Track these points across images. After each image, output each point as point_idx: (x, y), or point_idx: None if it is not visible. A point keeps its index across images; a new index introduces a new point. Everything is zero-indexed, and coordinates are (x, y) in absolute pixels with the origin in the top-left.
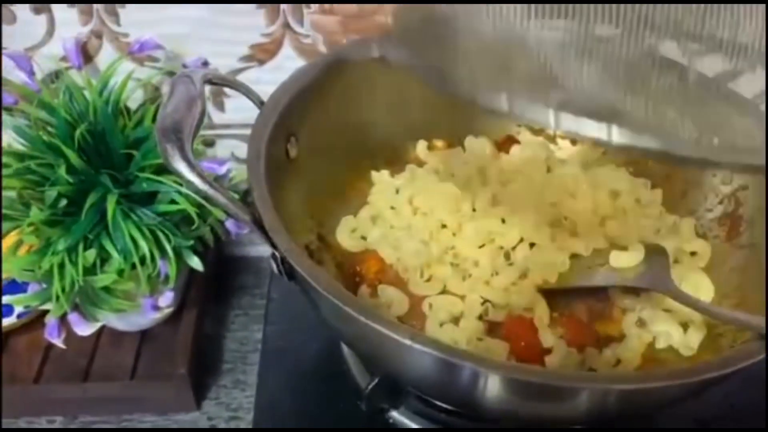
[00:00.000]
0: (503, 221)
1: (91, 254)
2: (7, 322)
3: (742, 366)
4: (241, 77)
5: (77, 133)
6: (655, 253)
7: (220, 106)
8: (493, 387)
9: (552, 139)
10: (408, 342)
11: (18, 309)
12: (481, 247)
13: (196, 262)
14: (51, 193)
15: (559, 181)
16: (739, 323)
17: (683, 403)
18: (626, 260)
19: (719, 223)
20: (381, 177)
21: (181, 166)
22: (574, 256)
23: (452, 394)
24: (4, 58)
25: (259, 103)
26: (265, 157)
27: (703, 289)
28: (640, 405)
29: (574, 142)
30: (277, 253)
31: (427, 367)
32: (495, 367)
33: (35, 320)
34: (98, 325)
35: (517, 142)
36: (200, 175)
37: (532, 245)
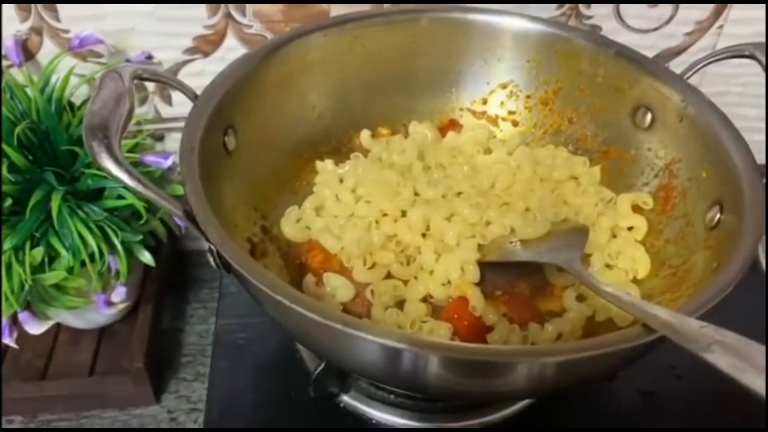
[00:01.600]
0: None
1: (39, 252)
2: None
3: (620, 348)
4: (186, 69)
5: (18, 130)
6: (574, 232)
7: (168, 100)
8: (423, 365)
9: (494, 121)
10: (339, 327)
11: None
12: (423, 235)
13: (147, 257)
14: None
15: (496, 161)
16: (631, 310)
17: (621, 375)
18: (531, 232)
19: (655, 196)
20: (325, 166)
21: (109, 164)
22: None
23: (386, 375)
24: None
25: (193, 97)
26: (199, 149)
27: (639, 261)
28: (565, 376)
29: (515, 123)
30: (212, 246)
31: (359, 351)
32: (417, 344)
33: None
34: (50, 323)
35: (460, 125)
36: (128, 172)
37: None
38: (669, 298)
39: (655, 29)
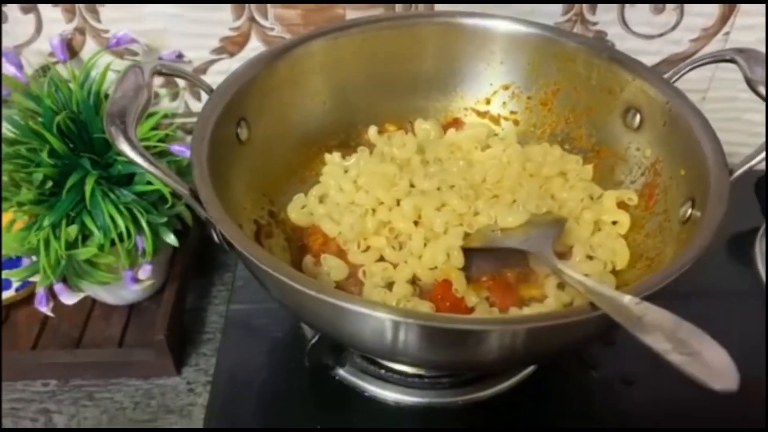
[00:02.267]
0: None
1: (73, 230)
2: (6, 295)
3: (570, 320)
4: (214, 68)
5: (58, 119)
6: (552, 223)
7: (197, 96)
8: (397, 333)
9: (496, 120)
10: (313, 293)
11: (15, 282)
12: (415, 223)
13: (171, 239)
14: (37, 175)
15: (490, 157)
16: (581, 287)
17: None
18: (511, 221)
19: (640, 193)
20: (332, 159)
21: (125, 146)
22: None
23: (366, 343)
24: None
25: (209, 91)
26: (210, 138)
27: (619, 253)
28: (525, 348)
29: (516, 123)
30: (213, 223)
31: (337, 318)
32: (384, 311)
33: (34, 295)
34: (82, 295)
35: (464, 124)
36: (141, 154)
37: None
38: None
39: (661, 35)
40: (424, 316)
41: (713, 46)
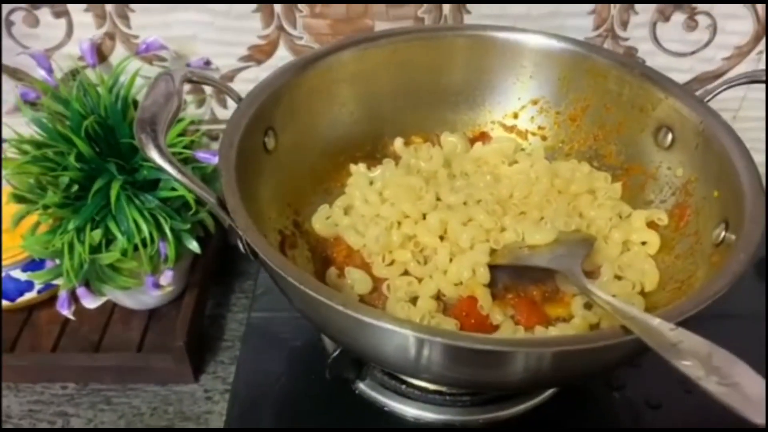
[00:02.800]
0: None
1: (97, 234)
2: (28, 296)
3: (601, 344)
4: (241, 76)
5: (86, 123)
6: (580, 241)
7: (223, 103)
8: (421, 350)
9: (523, 135)
10: (338, 307)
11: (38, 285)
12: (441, 237)
13: (194, 246)
14: (64, 178)
15: (517, 172)
16: (612, 309)
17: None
18: (539, 238)
19: (670, 213)
20: (358, 170)
21: (154, 154)
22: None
23: (389, 359)
24: (26, 57)
25: (238, 99)
26: (237, 146)
27: (648, 274)
28: (551, 370)
29: (544, 138)
30: (239, 232)
31: (360, 332)
32: (410, 328)
33: (55, 298)
34: (104, 299)
35: (490, 138)
36: (170, 161)
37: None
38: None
39: (693, 53)
40: (451, 335)
41: (746, 66)
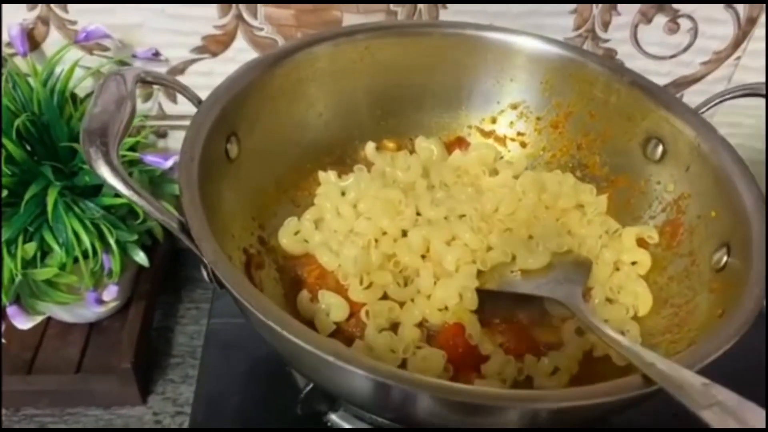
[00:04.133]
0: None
1: (31, 247)
2: None
3: (616, 398)
4: (194, 68)
5: (18, 122)
6: (577, 265)
7: (173, 98)
8: (412, 401)
9: (502, 141)
10: (331, 359)
11: None
12: (423, 256)
13: (141, 258)
14: None
15: (501, 184)
16: (630, 356)
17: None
18: (532, 263)
19: (661, 231)
20: (328, 177)
21: (105, 171)
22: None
23: (373, 405)
24: None
25: (197, 102)
26: (199, 158)
27: (641, 297)
28: (555, 421)
29: (523, 145)
30: (205, 261)
31: (348, 381)
32: (406, 381)
33: None
34: (39, 318)
35: (468, 143)
36: (124, 180)
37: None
38: (669, 339)
39: (672, 56)
40: (449, 390)
41: (723, 71)
